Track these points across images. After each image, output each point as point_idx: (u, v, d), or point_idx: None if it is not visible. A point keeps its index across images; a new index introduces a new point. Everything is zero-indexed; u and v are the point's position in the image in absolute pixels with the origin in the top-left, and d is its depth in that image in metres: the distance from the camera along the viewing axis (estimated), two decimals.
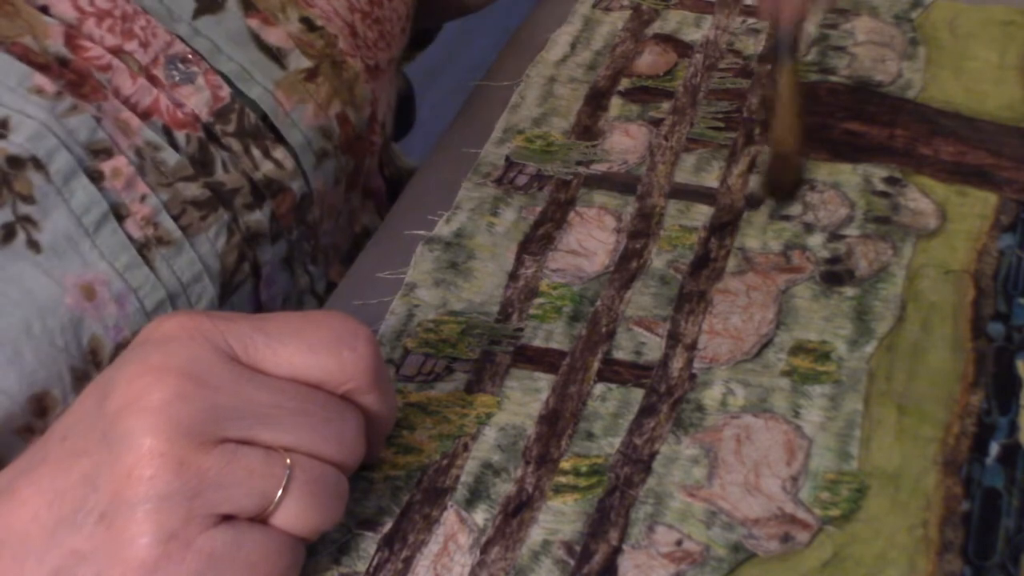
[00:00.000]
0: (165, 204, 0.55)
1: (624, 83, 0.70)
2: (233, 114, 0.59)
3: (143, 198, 0.54)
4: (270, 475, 0.44)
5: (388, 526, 0.50)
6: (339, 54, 0.63)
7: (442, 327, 0.57)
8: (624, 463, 0.52)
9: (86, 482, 0.43)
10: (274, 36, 0.61)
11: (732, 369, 0.55)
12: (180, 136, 0.57)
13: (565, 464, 0.52)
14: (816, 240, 0.61)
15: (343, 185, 0.65)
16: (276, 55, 0.61)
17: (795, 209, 0.62)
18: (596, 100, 0.69)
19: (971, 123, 0.66)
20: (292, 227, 0.62)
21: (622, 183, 0.64)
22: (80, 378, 0.51)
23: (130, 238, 0.54)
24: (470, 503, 0.51)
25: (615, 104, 0.69)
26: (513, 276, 0.60)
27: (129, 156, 0.55)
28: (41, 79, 0.53)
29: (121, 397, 0.43)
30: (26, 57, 0.53)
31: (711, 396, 0.54)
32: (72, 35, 0.55)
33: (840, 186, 0.63)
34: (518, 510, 0.50)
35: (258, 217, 0.59)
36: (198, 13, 0.59)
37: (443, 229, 0.62)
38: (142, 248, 0.54)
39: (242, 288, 0.59)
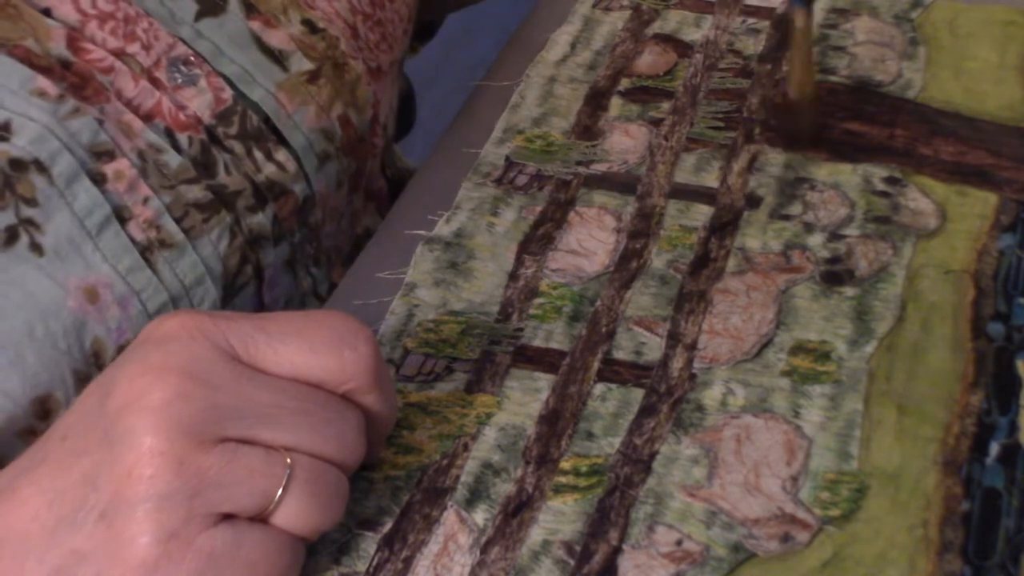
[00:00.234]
0: (167, 206, 0.55)
1: (624, 83, 0.70)
2: (235, 116, 0.59)
3: (145, 200, 0.55)
4: (270, 474, 0.44)
5: (388, 526, 0.50)
6: (341, 56, 0.63)
7: (442, 327, 0.57)
8: (624, 463, 0.52)
9: (86, 481, 0.43)
10: (276, 38, 0.61)
11: (732, 369, 0.55)
12: (182, 138, 0.57)
13: (565, 464, 0.52)
14: (816, 240, 0.61)
15: (345, 187, 0.65)
16: (278, 57, 0.61)
17: (795, 209, 0.63)
18: (596, 100, 0.69)
19: (971, 123, 0.66)
20: (294, 229, 0.62)
21: (622, 183, 0.64)
22: (83, 380, 0.51)
23: (133, 241, 0.54)
24: (470, 503, 0.51)
25: (615, 104, 0.69)
26: (513, 276, 0.60)
27: (131, 158, 0.55)
28: (43, 82, 0.53)
29: (122, 396, 0.43)
30: (28, 60, 0.53)
31: (711, 396, 0.54)
32: (74, 38, 0.55)
33: (840, 186, 0.63)
34: (518, 510, 0.50)
35: (260, 219, 0.59)
36: (200, 15, 0.59)
37: (443, 229, 0.62)
38: (145, 251, 0.54)
39: (245, 290, 0.59)
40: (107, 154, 0.54)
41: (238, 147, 0.59)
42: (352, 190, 0.66)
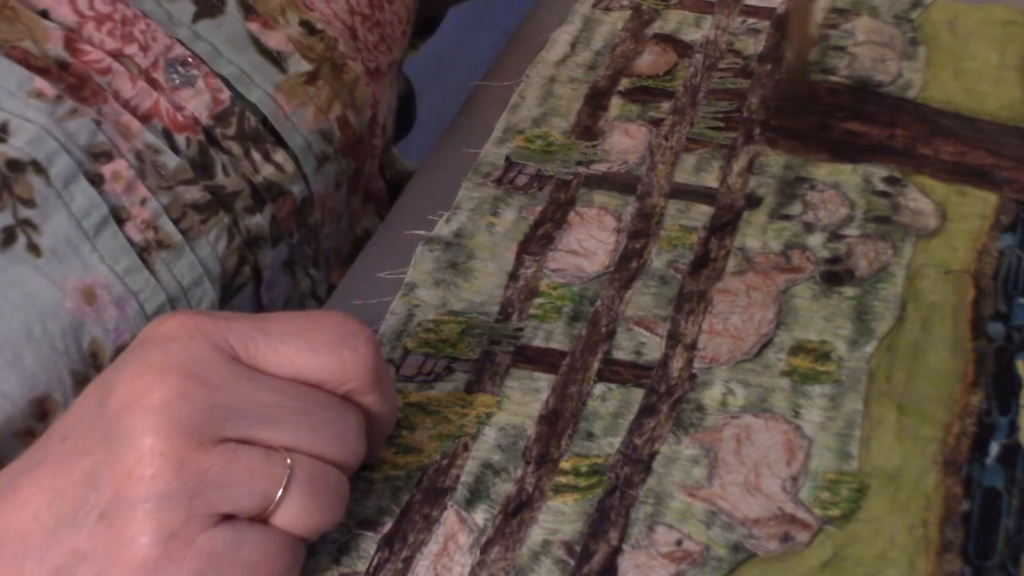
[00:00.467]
0: (165, 207, 0.55)
1: (624, 83, 0.70)
2: (233, 117, 0.59)
3: (143, 201, 0.54)
4: (270, 475, 0.44)
5: (388, 526, 0.50)
6: (339, 57, 0.63)
7: (442, 327, 0.57)
8: (624, 463, 0.52)
9: (86, 481, 0.43)
10: (274, 40, 0.61)
11: (732, 369, 0.55)
12: (180, 139, 0.57)
13: (565, 464, 0.52)
14: (816, 240, 0.61)
15: (344, 188, 0.65)
16: (276, 58, 0.61)
17: (795, 209, 0.63)
18: (596, 100, 0.69)
19: (971, 123, 0.66)
20: (293, 231, 0.62)
21: (622, 183, 0.64)
22: (81, 381, 0.51)
23: (130, 241, 0.54)
24: (470, 503, 0.51)
25: (615, 104, 0.69)
26: (513, 276, 0.60)
27: (129, 159, 0.55)
28: (41, 83, 0.53)
29: (122, 396, 0.43)
30: (26, 61, 0.53)
31: (711, 396, 0.54)
32: (72, 39, 0.55)
33: (840, 186, 0.63)
34: (518, 510, 0.50)
35: (259, 221, 0.59)
36: (198, 17, 0.59)
37: (443, 229, 0.62)
38: (142, 251, 0.54)
39: (243, 291, 0.59)
40: (105, 155, 0.54)
41: (236, 148, 0.59)
42: (351, 191, 0.66)
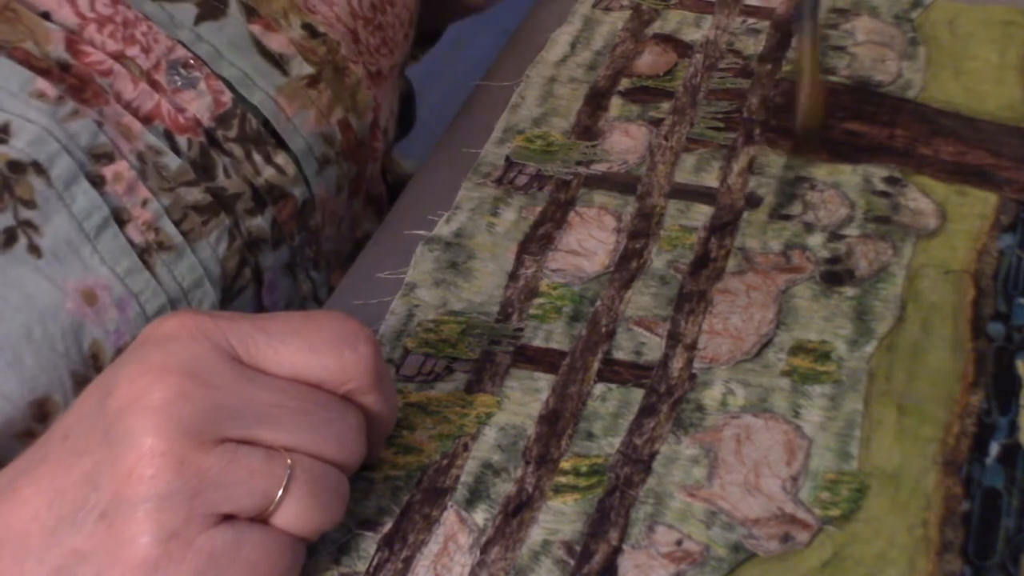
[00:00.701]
0: (166, 209, 0.55)
1: (624, 83, 0.70)
2: (235, 119, 0.59)
3: (144, 203, 0.54)
4: (271, 475, 0.44)
5: (388, 526, 0.50)
6: (341, 60, 0.63)
7: (442, 327, 0.57)
8: (624, 463, 0.52)
9: (87, 481, 0.43)
10: (276, 42, 0.61)
11: (732, 369, 0.55)
12: (182, 141, 0.57)
13: (565, 464, 0.52)
14: (816, 240, 0.61)
15: (345, 191, 0.65)
16: (278, 61, 0.61)
17: (795, 209, 0.63)
18: (596, 100, 0.69)
19: (971, 123, 0.66)
20: (294, 233, 0.62)
21: (622, 183, 0.64)
22: (81, 383, 0.51)
23: (131, 243, 0.54)
24: (470, 503, 0.51)
25: (615, 104, 0.69)
26: (513, 276, 0.60)
27: (130, 161, 0.55)
28: (43, 84, 0.53)
29: (122, 396, 0.43)
30: (27, 62, 0.53)
31: (711, 396, 0.54)
32: (73, 40, 0.55)
33: (840, 186, 0.63)
34: (518, 510, 0.50)
35: (259, 223, 0.59)
36: (200, 19, 0.59)
37: (443, 229, 0.62)
38: (143, 253, 0.54)
39: (243, 294, 0.59)
40: (106, 156, 0.54)
41: (237, 150, 0.59)
42: (352, 194, 0.66)
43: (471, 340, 0.57)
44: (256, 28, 0.60)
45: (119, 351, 0.53)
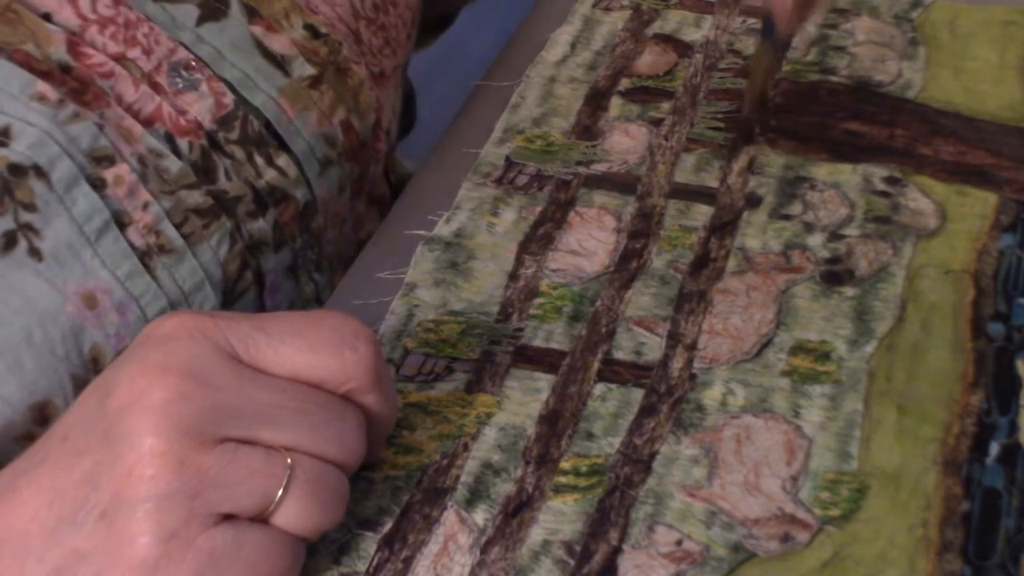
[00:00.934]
0: (167, 212, 0.55)
1: (624, 83, 0.70)
2: (236, 121, 0.59)
3: (145, 206, 0.54)
4: (271, 475, 0.44)
5: (388, 526, 0.50)
6: (343, 61, 0.63)
7: (442, 327, 0.57)
8: (624, 463, 0.52)
9: (87, 481, 0.43)
10: (278, 43, 0.61)
11: (732, 369, 0.55)
12: (183, 144, 0.57)
13: (565, 464, 0.52)
14: (816, 240, 0.61)
15: (347, 193, 0.65)
16: (280, 62, 0.61)
17: (795, 209, 0.63)
18: (596, 100, 0.69)
19: (971, 123, 0.66)
20: (296, 235, 0.61)
21: (622, 183, 0.64)
22: (81, 386, 0.51)
23: (132, 246, 0.54)
24: (470, 503, 0.51)
25: (615, 104, 0.69)
26: (513, 276, 0.60)
27: (131, 164, 0.55)
28: (43, 86, 0.53)
29: (122, 396, 0.43)
30: (28, 64, 0.53)
31: (711, 396, 0.54)
32: (74, 42, 0.55)
33: (840, 186, 0.63)
34: (518, 510, 0.50)
35: (261, 225, 0.59)
36: (201, 20, 0.59)
37: (443, 229, 0.62)
38: (144, 256, 0.54)
39: (245, 297, 0.59)
40: (107, 159, 0.54)
41: (239, 152, 0.59)
42: (354, 195, 0.66)
43: (471, 340, 0.57)
44: (258, 29, 0.60)
45: (119, 355, 0.53)
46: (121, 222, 0.54)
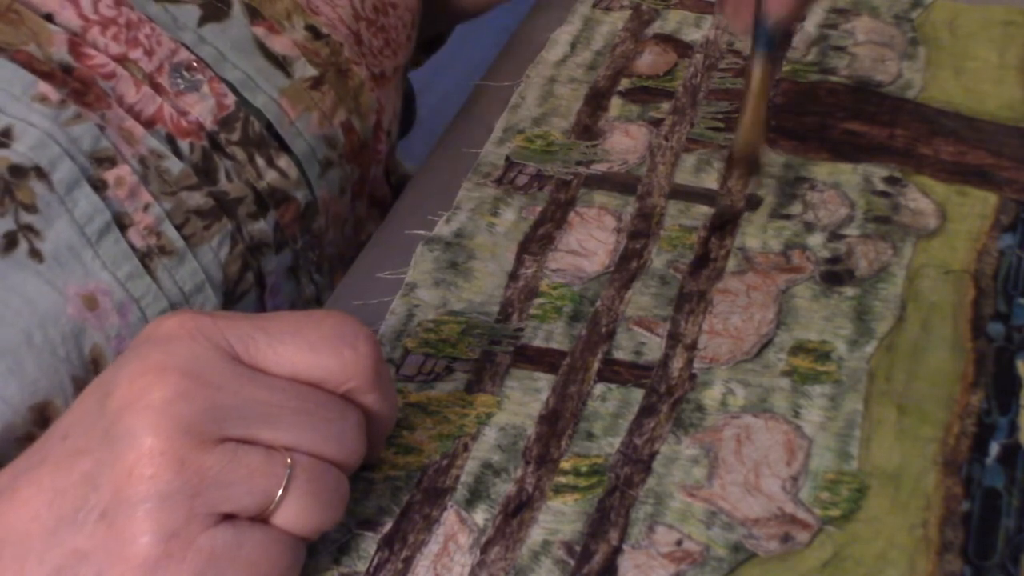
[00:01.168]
0: (168, 213, 0.55)
1: (624, 83, 0.70)
2: (237, 123, 0.59)
3: (146, 207, 0.54)
4: (271, 474, 0.44)
5: (388, 526, 0.50)
6: (344, 62, 0.63)
7: (442, 327, 0.57)
8: (624, 463, 0.52)
9: (87, 481, 0.43)
10: (280, 44, 0.61)
11: (732, 369, 0.55)
12: (184, 145, 0.57)
13: (565, 464, 0.52)
14: (816, 240, 0.61)
15: (348, 194, 0.65)
16: (282, 63, 0.61)
17: (795, 208, 0.63)
18: (596, 100, 0.69)
19: (971, 123, 0.66)
20: (297, 236, 0.61)
21: (622, 183, 0.64)
22: (82, 388, 0.51)
23: (132, 247, 0.54)
24: (470, 503, 0.51)
25: (615, 104, 0.69)
26: (513, 276, 0.60)
27: (133, 165, 0.55)
28: (45, 87, 0.53)
29: (122, 396, 0.43)
30: (30, 65, 0.53)
31: (711, 396, 0.54)
32: (76, 43, 0.55)
33: (840, 186, 0.63)
34: (518, 510, 0.50)
35: (262, 226, 0.59)
36: (203, 21, 0.59)
37: (443, 229, 0.62)
38: (144, 258, 0.54)
39: (246, 298, 0.59)
40: (108, 160, 0.54)
41: (240, 153, 0.59)
42: (355, 197, 0.66)
43: (471, 340, 0.57)
44: (259, 30, 0.60)
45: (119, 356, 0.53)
46: (122, 223, 0.54)
